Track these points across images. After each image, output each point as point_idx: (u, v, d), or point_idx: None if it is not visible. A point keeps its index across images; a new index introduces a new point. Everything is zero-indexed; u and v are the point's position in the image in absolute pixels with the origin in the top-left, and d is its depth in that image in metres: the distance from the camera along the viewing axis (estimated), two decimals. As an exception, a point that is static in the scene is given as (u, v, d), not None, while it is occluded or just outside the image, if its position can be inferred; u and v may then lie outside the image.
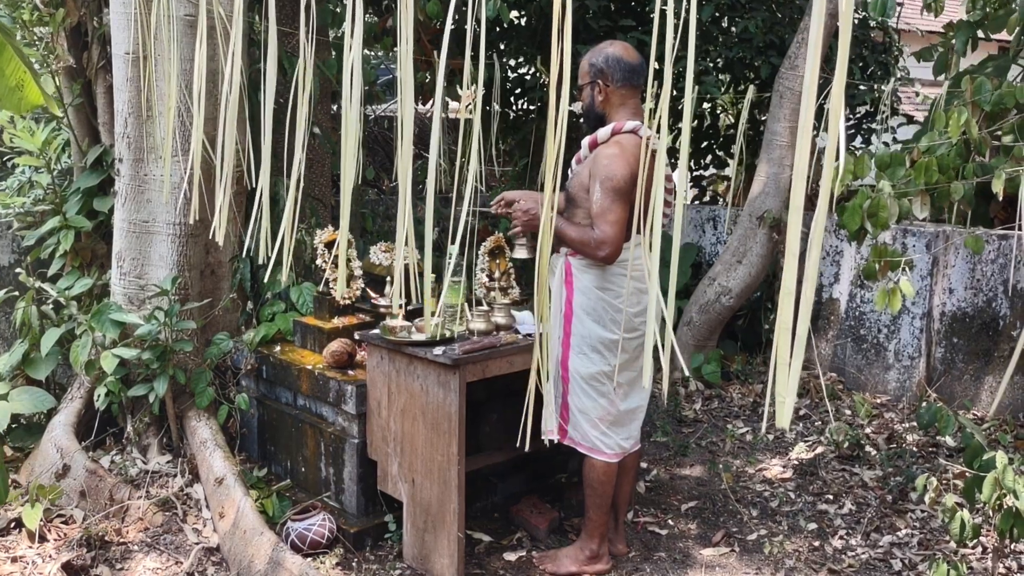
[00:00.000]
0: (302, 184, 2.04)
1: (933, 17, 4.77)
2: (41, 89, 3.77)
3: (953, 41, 5.14)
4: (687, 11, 1.38)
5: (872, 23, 6.82)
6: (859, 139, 6.88)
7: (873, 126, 6.67)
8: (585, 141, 3.13)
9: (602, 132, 3.08)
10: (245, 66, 2.55)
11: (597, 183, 2.97)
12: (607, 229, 2.94)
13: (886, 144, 5.89)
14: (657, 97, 1.57)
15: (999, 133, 3.05)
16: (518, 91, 6.81)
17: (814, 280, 1.13)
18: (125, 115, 3.88)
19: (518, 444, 2.08)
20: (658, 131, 1.67)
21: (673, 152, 6.24)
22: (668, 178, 2.94)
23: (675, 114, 6.34)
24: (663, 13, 1.40)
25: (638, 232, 1.78)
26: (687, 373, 5.30)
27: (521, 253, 3.35)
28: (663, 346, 1.60)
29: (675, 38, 1.40)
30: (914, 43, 7.19)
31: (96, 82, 4.30)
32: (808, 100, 1.09)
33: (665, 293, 1.63)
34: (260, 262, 3.98)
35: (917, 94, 6.77)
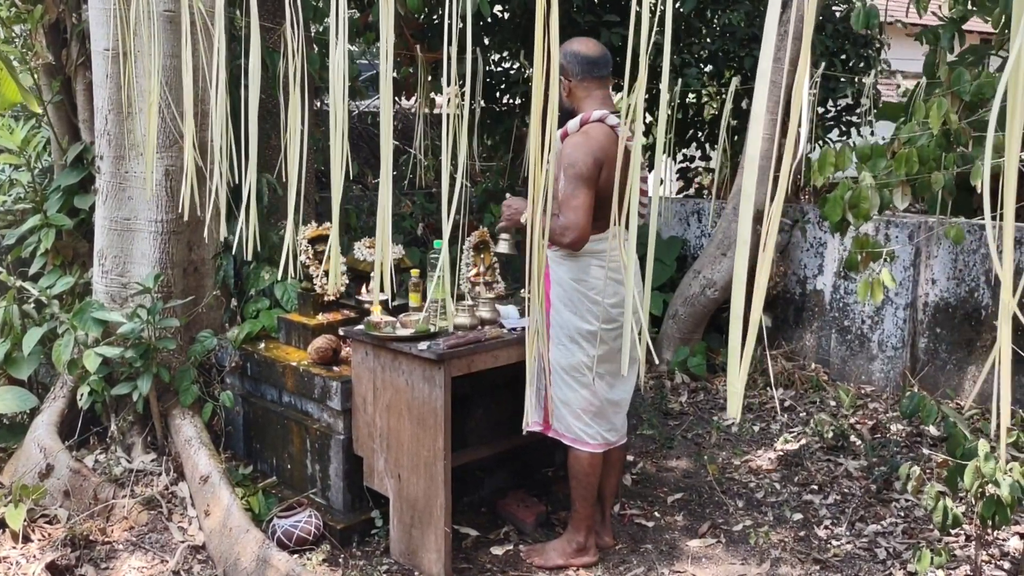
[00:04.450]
0: (292, 181, 2.03)
1: (918, 17, 4.78)
2: (19, 85, 3.72)
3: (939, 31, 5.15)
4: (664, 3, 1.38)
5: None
6: (836, 131, 6.89)
7: (853, 119, 6.69)
8: (558, 134, 3.14)
9: (571, 124, 3.11)
10: (227, 62, 2.53)
11: (561, 171, 3.01)
12: (570, 215, 2.97)
13: (869, 135, 5.91)
14: (643, 88, 1.56)
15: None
16: (502, 86, 6.80)
17: (767, 269, 1.14)
18: (105, 112, 3.85)
19: (523, 425, 2.21)
20: (632, 124, 1.67)
21: (647, 148, 6.24)
22: (643, 179, 2.95)
23: (656, 105, 6.32)
24: (639, 4, 1.40)
25: (615, 224, 1.78)
26: (656, 361, 5.38)
27: (503, 248, 3.35)
28: (639, 339, 1.60)
29: (651, 30, 1.40)
30: (897, 36, 7.20)
31: (76, 79, 4.26)
32: (762, 85, 1.10)
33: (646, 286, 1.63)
34: (247, 258, 3.97)
35: (899, 87, 6.79)
